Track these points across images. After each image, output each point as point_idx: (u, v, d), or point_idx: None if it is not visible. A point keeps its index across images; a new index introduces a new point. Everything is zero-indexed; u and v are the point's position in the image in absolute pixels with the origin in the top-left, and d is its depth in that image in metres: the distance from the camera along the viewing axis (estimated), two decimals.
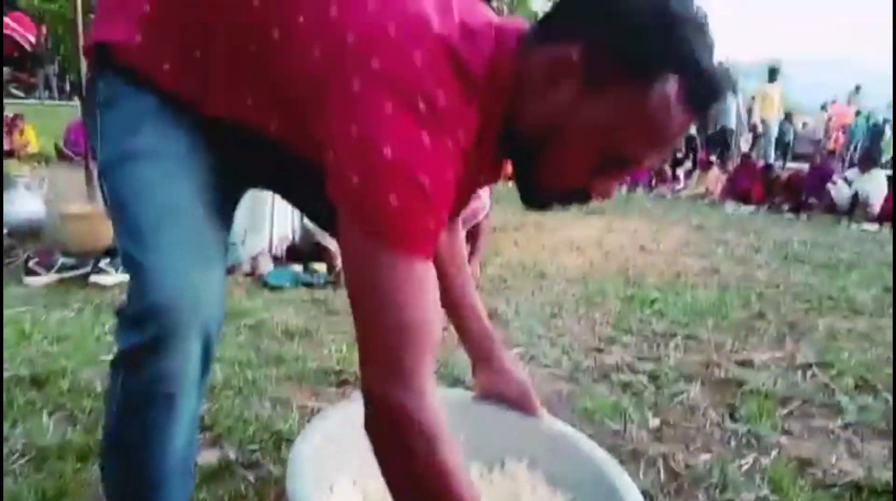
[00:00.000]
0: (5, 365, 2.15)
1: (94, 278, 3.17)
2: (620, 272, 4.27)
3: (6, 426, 1.74)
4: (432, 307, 0.86)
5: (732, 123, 12.25)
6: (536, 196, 0.98)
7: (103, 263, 3.20)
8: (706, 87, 0.85)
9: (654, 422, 2.02)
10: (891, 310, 3.63)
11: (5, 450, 1.62)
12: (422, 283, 0.85)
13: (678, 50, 0.83)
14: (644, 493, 1.60)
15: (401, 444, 0.85)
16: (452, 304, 1.31)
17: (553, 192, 0.96)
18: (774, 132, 12.86)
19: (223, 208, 1.06)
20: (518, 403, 1.31)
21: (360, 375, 0.88)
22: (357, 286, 0.86)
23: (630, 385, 2.31)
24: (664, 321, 3.17)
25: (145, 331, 0.93)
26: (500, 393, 1.32)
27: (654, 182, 10.92)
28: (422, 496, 0.88)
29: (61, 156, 8.32)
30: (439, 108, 0.83)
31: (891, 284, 4.28)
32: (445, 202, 0.85)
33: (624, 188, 10.76)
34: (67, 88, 15.46)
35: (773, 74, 12.07)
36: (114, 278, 3.15)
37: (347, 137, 0.82)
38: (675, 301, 3.53)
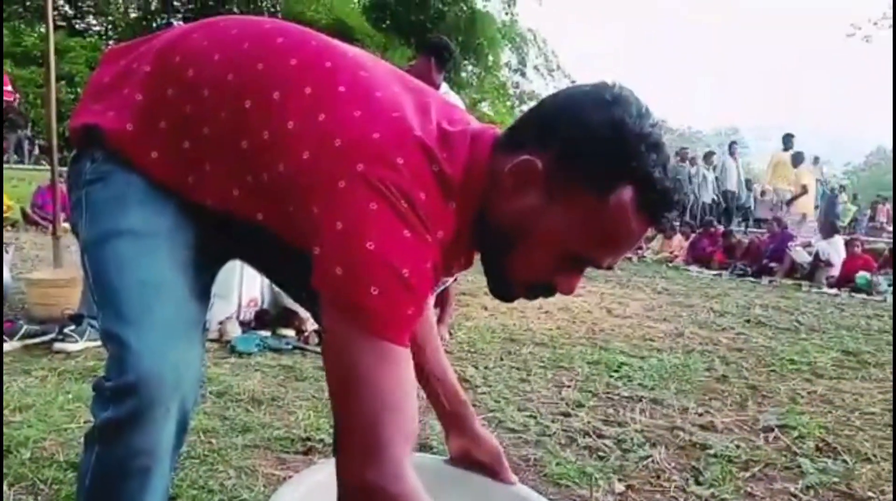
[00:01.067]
0: None
1: (58, 346, 3.13)
2: (588, 336, 4.33)
3: None
4: (410, 391, 0.89)
5: (734, 186, 12.86)
6: (504, 289, 1.03)
7: (68, 329, 3.17)
8: (659, 198, 0.91)
9: (620, 487, 2.04)
10: (850, 373, 3.72)
11: None
12: (400, 368, 0.87)
13: (632, 165, 0.90)
14: None
15: None
16: (423, 371, 1.33)
17: (519, 285, 1.01)
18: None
19: (204, 284, 1.10)
20: (490, 469, 1.33)
21: (337, 461, 0.89)
22: (336, 372, 0.89)
23: (596, 450, 2.34)
24: (630, 384, 3.21)
25: (124, 406, 0.94)
26: (472, 459, 1.33)
27: None
28: None
29: (28, 220, 8.24)
30: (420, 207, 0.89)
31: (850, 347, 4.40)
32: (424, 291, 0.90)
33: None
34: (37, 152, 15.39)
35: (787, 141, 11.36)
36: (79, 344, 3.12)
37: (332, 231, 0.87)
38: (641, 365, 3.58)
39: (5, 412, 2.32)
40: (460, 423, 1.32)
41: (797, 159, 10.84)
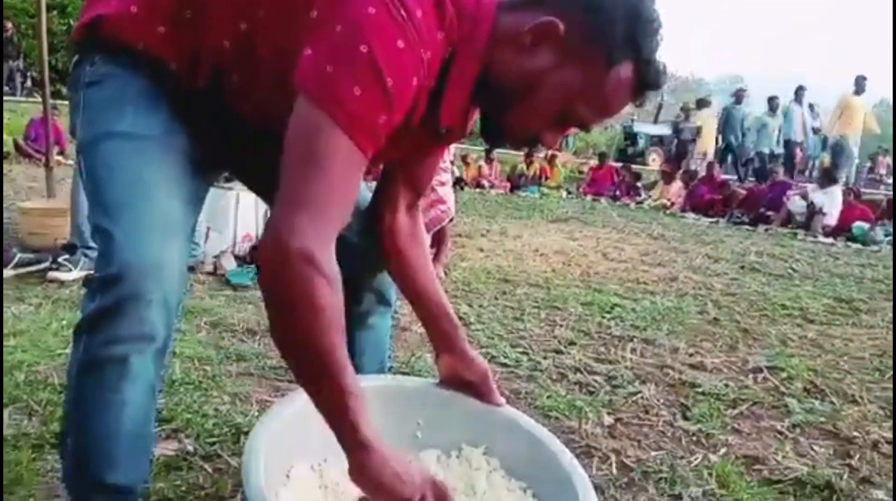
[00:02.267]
0: None
1: (52, 274, 3.13)
2: (582, 279, 4.34)
3: None
4: (352, 188, 0.96)
5: (797, 135, 11.69)
6: (497, 135, 1.10)
7: (62, 258, 3.16)
8: (652, 78, 1.01)
9: (608, 420, 2.07)
10: (841, 319, 3.75)
11: None
12: (354, 166, 0.94)
13: (640, 45, 0.98)
14: (596, 486, 1.64)
15: (304, 285, 0.89)
16: (416, 292, 1.34)
17: (512, 135, 1.09)
18: (855, 152, 10.68)
19: (193, 189, 1.13)
20: (478, 389, 1.34)
21: (275, 219, 0.92)
22: (299, 150, 0.92)
23: (587, 385, 2.37)
24: (623, 325, 3.23)
25: (108, 295, 0.99)
26: (461, 379, 1.34)
27: (618, 193, 11.11)
28: (302, 325, 0.91)
29: (21, 153, 8.16)
30: (416, 20, 0.92)
31: (842, 294, 4.42)
32: (402, 104, 0.95)
33: (588, 198, 10.95)
34: (29, 84, 15.12)
35: (859, 84, 10.13)
36: (72, 274, 3.12)
37: (331, 32, 0.91)
38: (634, 307, 3.60)
39: None
40: (450, 344, 1.33)
41: (860, 87, 9.98)
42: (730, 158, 12.59)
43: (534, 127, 1.05)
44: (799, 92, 11.72)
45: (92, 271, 1.08)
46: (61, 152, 7.10)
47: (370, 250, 1.34)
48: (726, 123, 12.43)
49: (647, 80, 1.01)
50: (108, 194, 1.05)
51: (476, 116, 1.12)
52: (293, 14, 0.99)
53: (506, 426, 1.34)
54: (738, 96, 12.86)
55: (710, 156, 12.41)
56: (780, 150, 11.81)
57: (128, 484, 1.09)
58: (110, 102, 1.09)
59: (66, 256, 3.18)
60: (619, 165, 13.04)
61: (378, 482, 0.92)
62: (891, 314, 3.93)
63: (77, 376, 1.07)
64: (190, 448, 1.66)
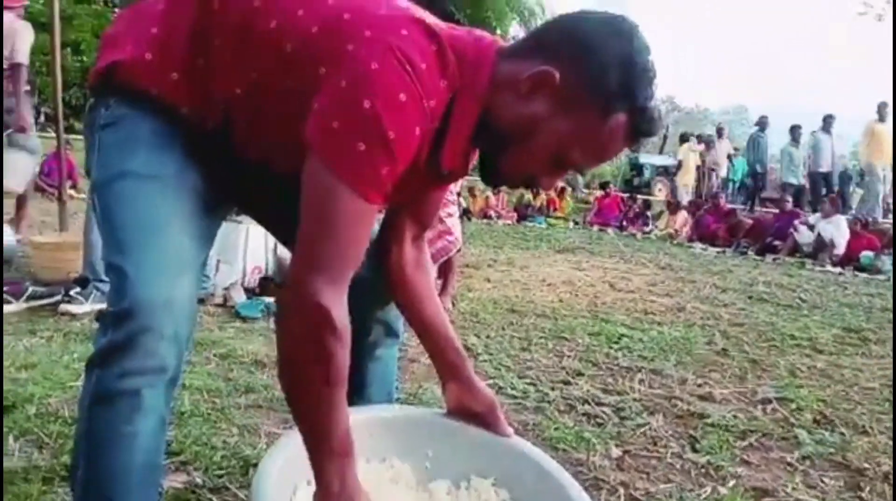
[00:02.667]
0: None
1: (63, 307, 3.16)
2: (589, 309, 4.34)
3: None
4: (363, 241, 1.03)
5: (827, 166, 11.30)
6: (495, 178, 1.14)
7: (74, 292, 3.19)
8: (646, 126, 1.05)
9: (617, 452, 2.07)
10: (851, 349, 3.73)
11: None
12: (362, 218, 1.01)
13: (635, 94, 1.01)
14: None
15: (318, 338, 0.98)
16: (423, 322, 1.36)
17: (509, 176, 1.13)
18: (882, 182, 10.39)
19: (205, 228, 1.17)
20: (485, 420, 1.35)
21: (292, 273, 1.00)
22: (310, 209, 0.99)
23: (595, 416, 2.36)
24: (630, 355, 3.23)
25: (121, 330, 1.02)
26: (468, 409, 1.35)
27: (624, 223, 11.13)
28: (308, 376, 1.01)
29: (35, 188, 8.24)
30: (419, 72, 0.97)
31: (851, 324, 4.40)
32: (405, 154, 1.00)
33: (595, 228, 10.97)
34: (43, 119, 15.35)
35: (882, 111, 10.02)
36: (84, 307, 3.14)
37: (336, 88, 0.97)
38: (642, 337, 3.60)
39: (11, 369, 2.35)
40: (457, 374, 1.34)
41: (883, 114, 9.81)
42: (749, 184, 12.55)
43: (530, 170, 1.09)
44: (827, 121, 11.27)
45: (104, 305, 1.11)
46: (73, 187, 7.20)
47: (378, 283, 1.36)
48: (754, 151, 12.29)
49: (641, 127, 1.04)
50: (122, 232, 1.09)
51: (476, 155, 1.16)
52: (300, 68, 1.03)
53: (514, 458, 1.35)
54: (762, 124, 12.57)
55: (691, 189, 12.72)
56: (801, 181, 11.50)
57: None
58: (124, 143, 1.13)
59: (78, 289, 3.21)
60: (626, 195, 13.09)
61: None
62: None
63: (89, 408, 1.09)
64: (199, 480, 1.67)
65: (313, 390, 1.01)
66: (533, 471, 1.33)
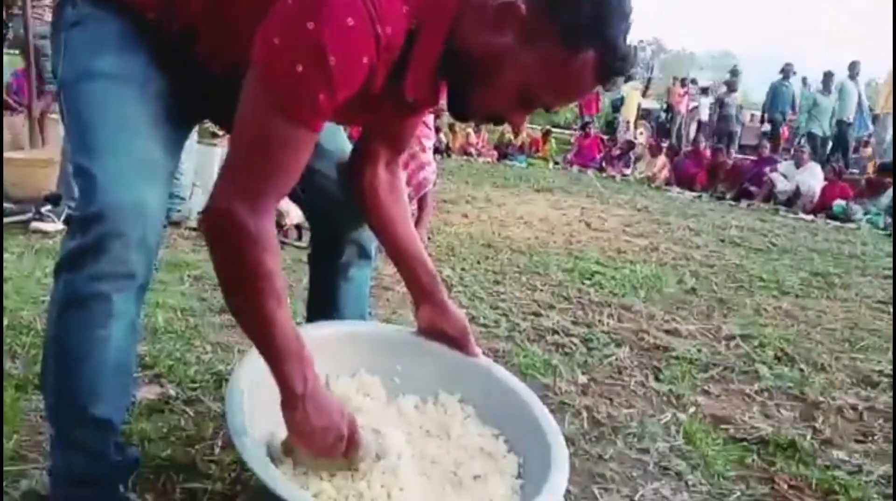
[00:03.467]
0: None
1: (35, 225, 3.12)
2: (564, 246, 4.39)
3: None
4: (294, 167, 1.01)
5: (852, 115, 10.47)
6: (464, 112, 1.11)
7: (45, 209, 3.15)
8: (617, 65, 1.01)
9: (583, 379, 2.12)
10: (816, 292, 3.83)
11: None
12: (295, 143, 0.98)
13: (604, 31, 0.97)
14: (567, 439, 1.69)
15: (236, 249, 0.99)
16: (396, 245, 1.37)
17: (477, 112, 1.09)
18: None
19: (173, 134, 1.14)
20: (456, 342, 1.38)
21: (214, 188, 0.99)
22: (242, 125, 0.98)
23: (563, 346, 2.42)
24: (601, 291, 3.29)
25: (89, 234, 1.01)
26: (439, 331, 1.38)
27: (604, 164, 11.14)
28: (243, 292, 1.02)
29: (3, 104, 8.02)
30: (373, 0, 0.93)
31: (818, 268, 4.50)
32: (347, 82, 0.96)
33: (575, 169, 10.98)
34: (11, 35, 14.79)
35: (853, 70, 10.05)
36: (56, 225, 3.11)
37: (284, 6, 0.94)
38: (614, 275, 3.66)
39: None
40: (429, 296, 1.36)
41: None
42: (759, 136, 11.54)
43: (497, 106, 1.06)
44: (854, 68, 10.47)
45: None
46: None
47: (350, 203, 1.36)
48: (773, 99, 11.47)
49: (611, 66, 1.00)
50: (90, 134, 1.07)
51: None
52: None
53: (481, 376, 1.38)
54: (786, 72, 11.52)
55: (632, 124, 13.10)
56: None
57: (110, 418, 1.11)
58: (91, 43, 1.10)
59: (50, 207, 3.17)
60: (607, 137, 13.06)
61: (302, 436, 1.05)
62: (864, 289, 4.01)
63: (59, 312, 1.09)
64: (172, 392, 1.69)
65: (252, 303, 1.01)
66: (498, 389, 1.37)
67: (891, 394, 2.30)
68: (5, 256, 2.72)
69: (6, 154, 4.03)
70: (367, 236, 1.45)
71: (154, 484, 1.31)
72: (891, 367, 2.56)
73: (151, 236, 1.05)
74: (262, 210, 0.98)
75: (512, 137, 12.05)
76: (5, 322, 2.00)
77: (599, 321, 2.78)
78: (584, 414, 1.87)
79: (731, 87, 12.24)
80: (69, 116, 1.12)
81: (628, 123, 13.75)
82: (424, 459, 1.26)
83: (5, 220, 3.18)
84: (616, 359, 2.34)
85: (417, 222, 3.98)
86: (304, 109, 0.96)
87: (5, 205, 3.22)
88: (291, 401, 1.03)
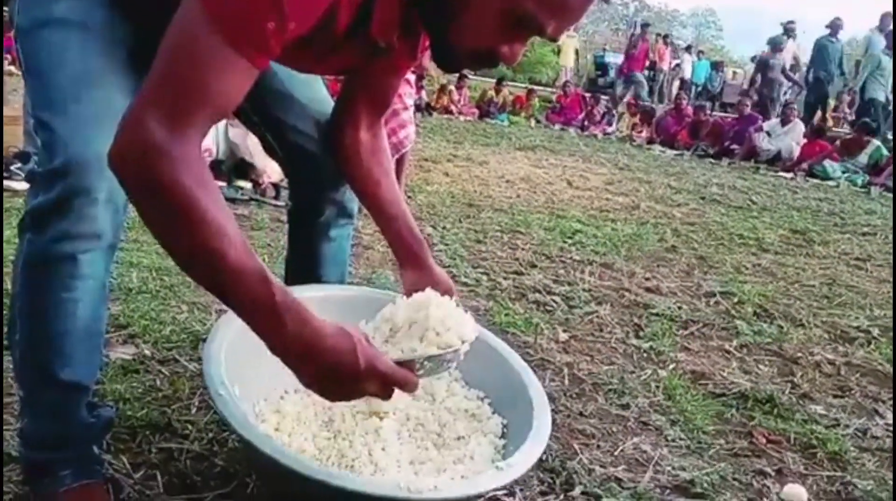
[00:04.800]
0: None
1: (5, 184, 3.03)
2: (546, 205, 4.37)
3: None
4: (225, 99, 0.86)
5: (881, 95, 9.29)
6: (449, 57, 0.99)
7: (14, 167, 3.06)
8: None
9: (564, 336, 2.12)
10: (795, 250, 3.85)
11: None
12: (232, 74, 0.84)
13: None
14: (548, 396, 1.70)
15: (155, 178, 0.81)
16: (380, 208, 1.33)
17: (464, 52, 0.97)
18: None
19: (136, 83, 1.04)
20: None
21: (133, 108, 0.84)
22: (171, 43, 0.84)
23: (544, 304, 2.41)
24: (583, 250, 3.28)
25: (52, 190, 0.96)
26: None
27: (586, 123, 11.08)
28: (178, 234, 0.84)
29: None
30: None
31: (798, 226, 4.53)
32: (300, 15, 0.84)
33: (556, 127, 10.91)
34: None
35: (834, 25, 9.30)
36: (25, 184, 3.03)
37: None
38: (595, 233, 3.65)
39: None
40: (414, 258, 1.33)
41: None
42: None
43: (485, 39, 0.94)
44: (884, 21, 9.29)
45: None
46: (13, 62, 6.79)
47: (328, 162, 1.32)
48: (817, 57, 10.41)
49: None
50: (49, 85, 1.01)
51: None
52: None
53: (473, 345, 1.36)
54: (834, 27, 10.38)
55: (570, 70, 13.77)
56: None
57: (80, 381, 1.08)
58: None
59: (19, 164, 3.08)
60: (588, 94, 12.97)
61: (311, 382, 0.89)
62: (842, 246, 4.05)
63: (24, 273, 1.05)
64: (147, 352, 1.66)
65: (192, 244, 0.82)
66: (483, 352, 1.35)
67: (868, 349, 2.33)
68: None
69: None
70: (349, 196, 1.41)
71: (129, 445, 1.29)
72: (868, 323, 2.59)
73: (118, 193, 0.98)
74: (185, 135, 0.81)
75: (493, 95, 11.93)
76: None
77: (581, 279, 2.77)
78: (565, 371, 1.87)
79: (776, 47, 10.81)
80: (27, 67, 1.05)
81: (565, 68, 15.37)
82: (409, 421, 1.25)
83: None
84: (597, 316, 2.34)
85: (397, 182, 3.95)
86: (248, 37, 0.83)
87: None
88: (280, 347, 0.86)
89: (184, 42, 0.83)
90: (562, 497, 1.33)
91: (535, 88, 13.20)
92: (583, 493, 1.34)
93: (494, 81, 12.04)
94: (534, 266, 2.91)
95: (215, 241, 0.81)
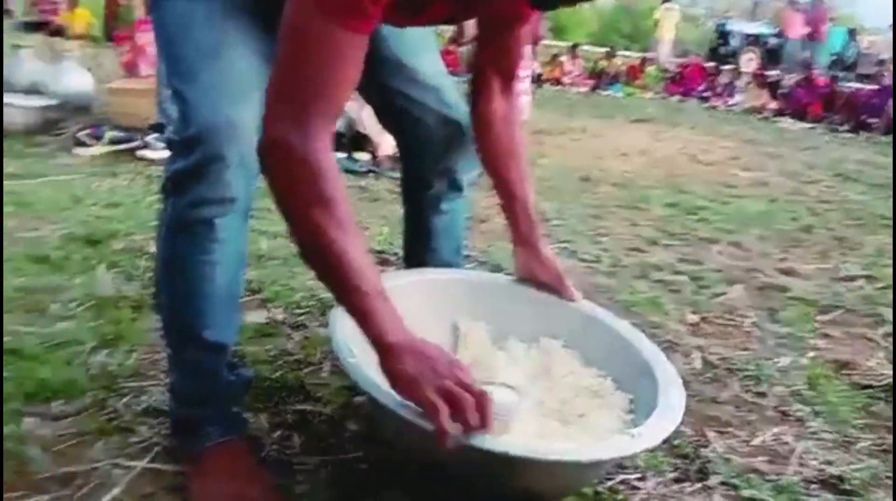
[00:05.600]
0: (59, 224, 2.23)
1: (141, 153, 3.22)
2: (666, 180, 4.19)
3: (63, 278, 1.82)
4: (344, 76, 0.93)
5: None
6: None
7: (151, 137, 3.23)
8: None
9: (693, 318, 2.03)
10: None
11: (64, 298, 1.70)
12: (341, 51, 0.91)
13: None
14: None
15: (288, 177, 0.93)
16: (502, 180, 1.31)
17: None
18: None
19: (262, 47, 1.07)
20: (551, 287, 1.33)
21: (265, 115, 0.93)
22: (286, 38, 0.91)
23: (670, 284, 2.31)
24: (709, 227, 3.13)
25: (189, 157, 1.00)
26: (536, 277, 1.34)
27: (707, 94, 10.58)
28: (302, 226, 0.94)
29: (110, 38, 8.31)
30: None
31: None
32: None
33: (675, 98, 10.48)
34: None
35: None
36: (162, 152, 3.19)
37: None
38: (721, 210, 3.47)
39: (95, 207, 2.44)
40: (525, 239, 1.32)
41: None
42: None
43: None
44: None
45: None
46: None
47: (438, 133, 1.31)
48: None
49: None
50: (180, 56, 1.04)
51: None
52: None
53: (584, 320, 1.33)
54: None
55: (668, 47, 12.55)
56: None
57: (221, 341, 1.11)
58: None
59: (156, 135, 3.25)
60: (711, 65, 12.35)
61: (400, 382, 0.91)
62: None
63: (166, 237, 1.09)
64: (279, 317, 1.71)
65: (314, 237, 0.92)
66: (604, 332, 1.30)
67: None
68: (116, 181, 2.82)
69: (112, 84, 4.17)
70: (459, 168, 1.39)
71: (267, 405, 1.33)
72: None
73: (249, 157, 1.00)
74: (312, 134, 0.90)
75: (606, 65, 11.59)
76: (119, 246, 2.07)
77: (708, 258, 2.64)
78: (696, 355, 1.78)
79: None
80: (159, 37, 1.09)
81: (664, 42, 13.59)
82: (529, 399, 1.22)
83: (114, 148, 3.30)
84: (728, 299, 2.22)
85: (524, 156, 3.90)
86: (346, 6, 0.88)
87: (114, 133, 3.33)
88: (383, 349, 0.92)
89: (293, 32, 0.90)
90: (698, 486, 1.27)
91: (649, 56, 12.68)
92: (721, 483, 1.27)
93: (605, 50, 11.68)
94: (656, 244, 2.80)
95: (338, 247, 0.91)
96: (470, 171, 1.41)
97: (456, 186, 1.41)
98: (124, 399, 1.31)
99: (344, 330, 1.06)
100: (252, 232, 2.18)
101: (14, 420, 1.23)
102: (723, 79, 11.01)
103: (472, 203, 2.10)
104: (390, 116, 1.37)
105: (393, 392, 0.92)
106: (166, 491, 1.10)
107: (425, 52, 1.31)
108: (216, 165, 0.99)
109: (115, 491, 1.09)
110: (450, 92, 1.33)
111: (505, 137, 1.30)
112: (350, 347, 1.03)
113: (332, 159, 0.93)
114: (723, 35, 16.06)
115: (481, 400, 0.88)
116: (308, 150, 0.90)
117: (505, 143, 1.30)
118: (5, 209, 2.34)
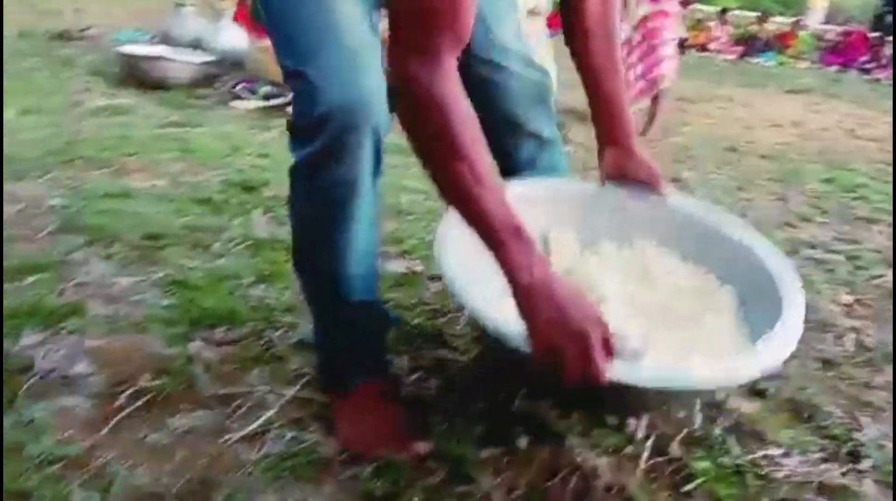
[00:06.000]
0: (219, 170, 2.39)
1: (232, 103, 3.37)
2: (821, 154, 3.91)
3: (223, 219, 1.96)
4: (462, 3, 0.89)
5: None
6: None
7: (238, 88, 3.39)
8: None
9: (847, 299, 1.90)
10: None
11: (224, 237, 1.83)
12: None
13: None
14: (828, 361, 1.55)
15: (415, 112, 0.90)
16: (592, 76, 1.25)
17: None
18: None
19: (371, 20, 1.06)
20: (649, 184, 1.26)
21: (388, 50, 0.92)
22: None
23: (823, 262, 2.17)
24: (868, 206, 2.90)
25: (318, 139, 0.97)
26: (626, 176, 1.27)
27: (869, 66, 9.73)
28: (437, 168, 0.91)
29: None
30: None
31: None
32: None
33: (833, 69, 9.71)
34: None
35: None
36: (247, 104, 3.34)
37: None
38: (884, 189, 3.20)
39: (249, 157, 2.59)
40: (616, 137, 1.25)
41: None
42: None
43: None
44: None
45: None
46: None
47: (514, 91, 1.27)
48: None
49: None
50: (297, 35, 1.01)
51: None
52: None
53: (681, 219, 1.27)
54: None
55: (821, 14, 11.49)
56: None
57: (362, 299, 1.13)
58: None
59: (244, 84, 3.40)
60: (876, 34, 11.30)
61: (538, 336, 0.86)
62: None
63: (300, 214, 1.10)
64: (417, 268, 1.77)
65: (448, 180, 0.90)
66: (705, 228, 1.25)
67: None
68: (267, 135, 2.98)
69: (262, 43, 4.36)
70: (542, 122, 1.33)
71: (407, 349, 1.39)
72: None
73: (381, 125, 1.00)
74: (442, 68, 0.88)
75: (757, 31, 10.87)
76: (270, 193, 2.19)
77: (866, 238, 2.45)
78: (850, 337, 1.68)
79: None
80: (269, 19, 1.05)
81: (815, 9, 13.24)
82: (632, 305, 1.17)
83: (267, 103, 3.48)
84: (887, 281, 2.06)
85: (651, 120, 3.77)
86: None
87: (267, 89, 3.51)
88: (516, 292, 0.88)
89: None
90: (846, 468, 1.20)
91: (802, 21, 11.77)
92: (872, 467, 1.20)
93: (756, 15, 10.94)
94: (808, 220, 2.63)
95: (471, 193, 0.89)
96: (552, 125, 1.36)
97: (546, 143, 1.36)
98: (278, 332, 1.41)
99: (454, 271, 1.03)
100: (392, 188, 2.25)
101: (181, 343, 1.35)
102: (887, 50, 10.04)
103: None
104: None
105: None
106: (314, 418, 1.18)
107: (503, 12, 1.27)
108: (350, 143, 0.98)
109: (269, 414, 1.18)
110: (530, 53, 1.30)
111: (597, 33, 1.25)
112: (464, 288, 1.00)
113: (458, 89, 0.90)
114: (890, 2, 14.62)
115: (607, 345, 0.86)
116: (441, 89, 0.88)
117: (596, 37, 1.25)
118: (171, 155, 2.54)
